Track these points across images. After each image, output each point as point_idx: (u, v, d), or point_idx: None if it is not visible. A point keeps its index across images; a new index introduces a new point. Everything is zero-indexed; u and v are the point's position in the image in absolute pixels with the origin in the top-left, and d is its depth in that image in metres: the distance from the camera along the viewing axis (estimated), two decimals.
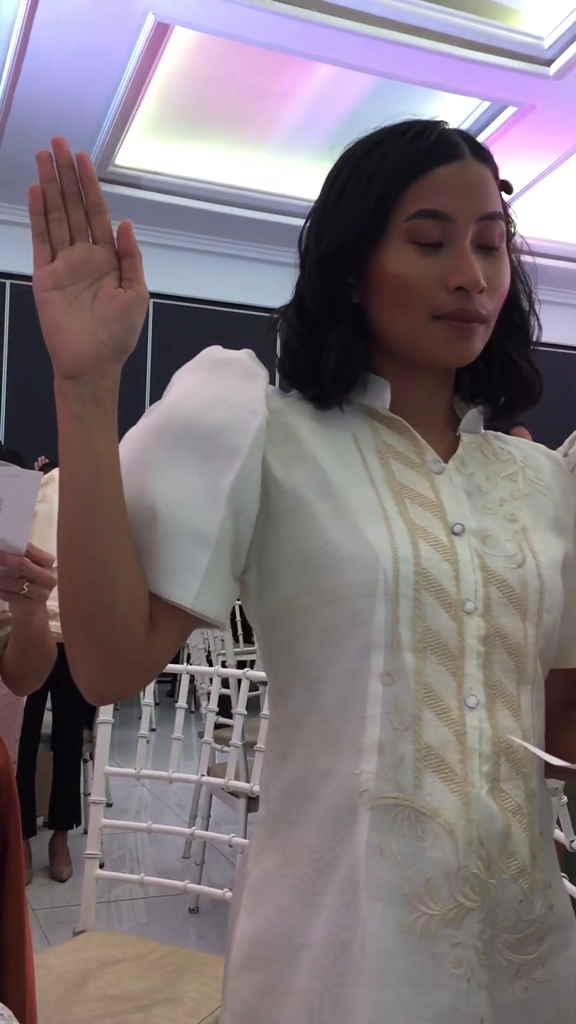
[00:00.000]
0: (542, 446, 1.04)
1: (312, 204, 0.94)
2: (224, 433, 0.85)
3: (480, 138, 5.23)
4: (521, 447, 1.02)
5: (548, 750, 0.90)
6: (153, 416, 0.89)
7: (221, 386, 0.88)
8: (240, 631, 4.70)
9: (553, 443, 1.08)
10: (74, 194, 0.79)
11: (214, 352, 0.92)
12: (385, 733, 0.83)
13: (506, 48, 5.17)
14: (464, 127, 5.93)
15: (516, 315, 0.95)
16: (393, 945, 0.80)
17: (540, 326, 0.97)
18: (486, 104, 5.79)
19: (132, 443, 0.86)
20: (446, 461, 0.92)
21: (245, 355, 0.92)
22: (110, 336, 0.79)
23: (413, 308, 0.87)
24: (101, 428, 0.80)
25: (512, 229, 0.93)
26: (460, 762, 0.83)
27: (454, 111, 5.82)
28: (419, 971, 0.80)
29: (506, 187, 0.92)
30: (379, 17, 4.89)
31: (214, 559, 0.83)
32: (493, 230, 0.88)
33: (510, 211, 0.94)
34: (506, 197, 0.92)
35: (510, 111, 5.78)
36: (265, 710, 1.84)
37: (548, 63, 5.28)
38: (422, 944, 0.80)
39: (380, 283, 0.88)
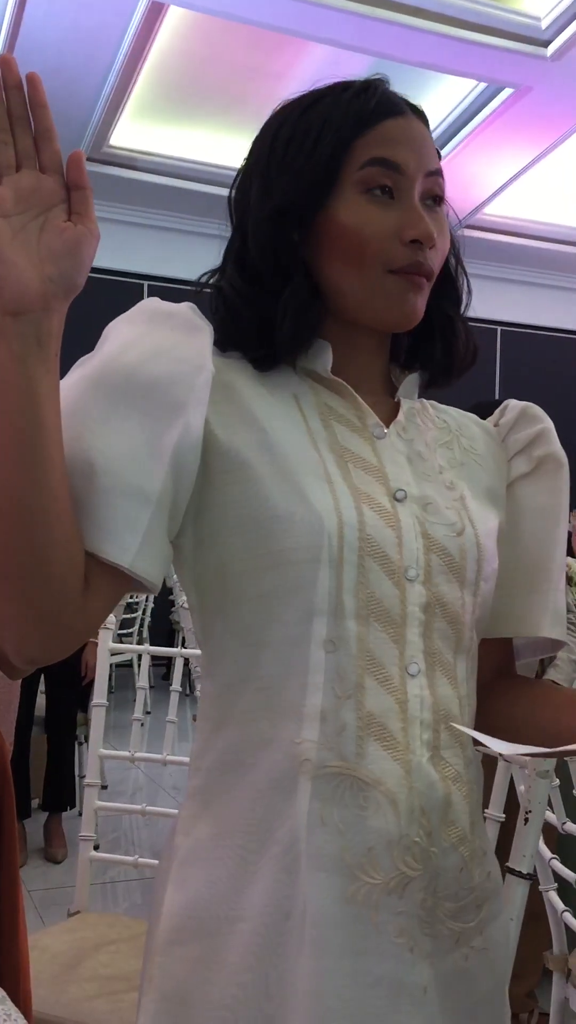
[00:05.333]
0: (474, 415, 1.03)
1: (242, 166, 0.92)
2: (168, 387, 0.81)
3: (476, 119, 5.22)
4: (455, 416, 1.01)
5: (478, 716, 0.91)
6: (89, 366, 0.83)
7: (164, 339, 0.84)
8: None
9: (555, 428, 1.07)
10: (22, 117, 0.73)
11: (154, 303, 0.88)
12: (327, 701, 0.81)
13: (503, 29, 5.12)
14: (460, 108, 5.92)
15: (446, 272, 0.95)
16: (335, 915, 0.79)
17: (470, 288, 0.97)
18: (482, 85, 5.74)
19: (67, 393, 0.79)
20: (386, 426, 0.91)
21: (187, 308, 0.88)
22: (59, 272, 0.73)
23: (369, 261, 0.86)
24: (44, 371, 0.74)
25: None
26: (402, 730, 0.82)
27: (450, 92, 5.78)
28: (361, 941, 0.79)
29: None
30: None
31: (154, 518, 0.79)
32: (438, 185, 0.89)
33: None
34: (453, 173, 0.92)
35: (507, 92, 5.73)
36: None
37: (545, 44, 5.24)
38: (364, 914, 0.79)
39: (333, 237, 0.87)
